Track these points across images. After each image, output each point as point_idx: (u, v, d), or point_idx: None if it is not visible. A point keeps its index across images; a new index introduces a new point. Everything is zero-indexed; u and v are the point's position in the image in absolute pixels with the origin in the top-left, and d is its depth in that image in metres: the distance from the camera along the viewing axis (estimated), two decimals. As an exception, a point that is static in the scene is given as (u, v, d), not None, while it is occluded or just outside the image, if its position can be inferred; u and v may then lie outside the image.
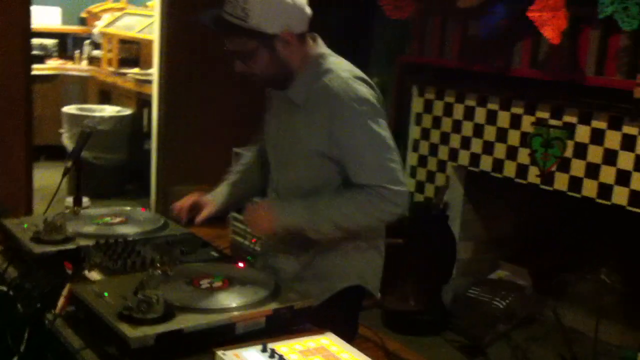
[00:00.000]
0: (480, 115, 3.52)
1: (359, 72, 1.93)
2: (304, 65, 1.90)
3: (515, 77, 3.34)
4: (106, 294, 1.53)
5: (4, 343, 1.58)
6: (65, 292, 1.59)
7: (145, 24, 6.49)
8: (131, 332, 1.37)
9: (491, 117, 3.46)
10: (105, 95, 6.59)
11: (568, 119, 3.13)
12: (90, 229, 1.98)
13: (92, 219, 2.07)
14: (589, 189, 3.04)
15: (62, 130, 5.87)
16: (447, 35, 3.69)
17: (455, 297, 3.74)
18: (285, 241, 1.97)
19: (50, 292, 1.64)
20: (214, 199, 2.13)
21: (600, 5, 2.80)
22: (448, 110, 3.69)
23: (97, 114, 5.80)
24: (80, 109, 5.95)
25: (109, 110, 5.93)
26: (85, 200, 3.23)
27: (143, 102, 5.90)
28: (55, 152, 6.40)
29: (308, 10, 1.89)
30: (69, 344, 1.49)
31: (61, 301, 1.59)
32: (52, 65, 6.84)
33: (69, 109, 5.90)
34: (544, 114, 3.22)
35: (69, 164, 2.19)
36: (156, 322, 1.41)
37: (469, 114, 3.57)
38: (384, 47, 4.28)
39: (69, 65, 6.99)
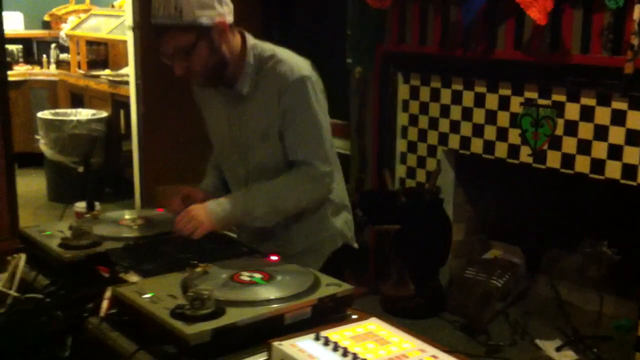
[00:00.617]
0: (467, 98, 3.58)
1: (298, 56, 2.07)
2: (242, 58, 2.02)
3: (501, 59, 3.41)
4: (152, 294, 1.53)
5: (49, 350, 1.57)
6: (107, 295, 1.60)
7: (113, 25, 6.42)
8: (188, 329, 1.38)
9: (479, 100, 3.53)
10: (77, 98, 6.51)
11: (556, 97, 3.20)
12: (113, 232, 1.98)
13: (112, 222, 2.07)
14: (582, 165, 3.12)
15: (38, 137, 5.78)
16: (427, 22, 3.74)
17: (451, 278, 3.81)
18: (261, 231, 2.09)
19: (90, 296, 1.64)
20: (201, 190, 2.23)
21: (585, -15, 2.88)
22: (435, 95, 3.75)
23: (72, 117, 5.73)
24: (55, 114, 5.87)
25: (84, 114, 5.86)
26: (97, 204, 3.19)
27: (118, 103, 5.84)
28: (28, 159, 6.31)
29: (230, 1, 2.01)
30: (118, 347, 1.49)
31: (104, 305, 1.59)
32: (19, 71, 6.72)
33: (44, 114, 5.81)
34: (532, 94, 3.30)
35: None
36: (210, 318, 1.43)
37: (456, 98, 3.63)
38: (361, 36, 4.31)
39: (37, 70, 6.89)
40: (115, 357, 1.49)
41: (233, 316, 1.45)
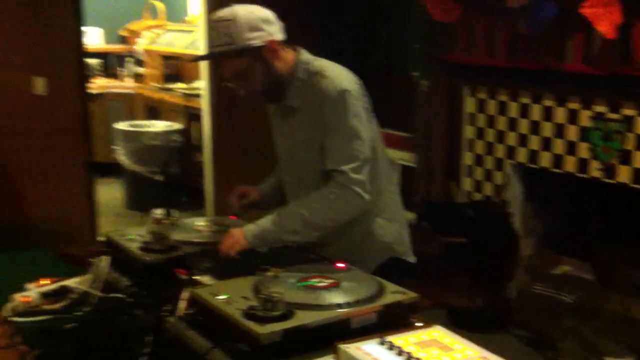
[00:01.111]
0: (536, 112, 3.58)
1: (344, 71, 2.13)
2: (294, 73, 2.10)
3: (570, 72, 3.40)
4: (226, 295, 1.62)
5: (128, 347, 1.68)
6: (184, 296, 1.69)
7: (186, 39, 6.65)
8: (260, 329, 1.46)
9: (547, 114, 3.52)
10: (152, 110, 6.76)
11: (627, 111, 3.18)
12: (190, 237, 2.08)
13: (189, 228, 2.18)
14: (653, 179, 3.08)
15: (115, 147, 6.03)
16: (494, 35, 3.76)
17: (519, 293, 3.79)
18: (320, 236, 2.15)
19: (169, 297, 1.74)
20: (258, 188, 2.40)
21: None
22: (502, 108, 3.76)
23: (148, 129, 5.96)
24: (132, 125, 6.12)
25: (159, 126, 6.08)
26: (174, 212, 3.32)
27: (191, 115, 6.04)
28: (106, 169, 6.58)
29: (277, 19, 2.10)
30: (194, 345, 1.58)
31: (182, 305, 1.69)
32: (98, 84, 7.03)
33: (121, 125, 6.06)
34: (601, 108, 3.28)
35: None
36: (280, 319, 1.50)
37: (524, 111, 3.63)
38: (427, 49, 4.34)
39: (114, 83, 7.18)
40: (192, 355, 1.58)
41: (302, 318, 1.52)
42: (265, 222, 2.04)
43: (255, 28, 2.02)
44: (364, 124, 2.09)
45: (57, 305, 1.98)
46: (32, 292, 2.03)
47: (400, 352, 1.45)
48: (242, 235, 2.01)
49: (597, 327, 3.56)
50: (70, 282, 2.07)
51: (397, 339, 1.52)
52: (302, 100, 2.11)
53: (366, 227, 2.20)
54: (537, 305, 3.52)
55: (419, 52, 4.35)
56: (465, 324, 3.63)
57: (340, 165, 2.04)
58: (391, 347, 1.48)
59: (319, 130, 2.08)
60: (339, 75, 2.10)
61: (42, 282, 2.10)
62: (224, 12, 2.03)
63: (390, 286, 1.73)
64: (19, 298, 2.00)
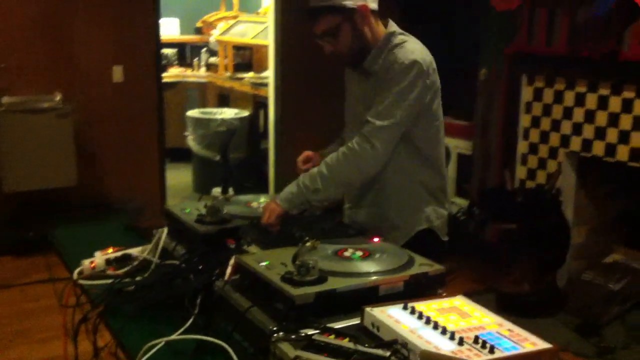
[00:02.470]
0: (591, 101, 3.60)
1: (424, 48, 2.25)
2: (379, 42, 2.24)
3: (626, 61, 3.41)
4: (267, 262, 1.79)
5: (182, 306, 1.86)
6: (231, 262, 1.87)
7: (258, 30, 6.87)
8: (295, 291, 1.62)
9: (602, 103, 3.54)
10: (223, 98, 7.02)
11: (682, 100, 3.17)
12: (242, 211, 2.26)
13: (242, 203, 2.36)
14: None
15: (186, 133, 6.32)
16: (554, 24, 3.79)
17: (569, 280, 3.83)
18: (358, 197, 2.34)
19: (218, 263, 1.92)
20: (322, 154, 2.49)
21: None
22: (558, 97, 3.79)
23: (218, 116, 6.21)
24: (203, 113, 6.39)
25: (228, 113, 6.33)
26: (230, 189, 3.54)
27: (259, 103, 6.26)
28: (178, 154, 6.90)
29: None
30: (238, 305, 1.75)
31: (229, 271, 1.86)
32: (173, 73, 7.34)
33: (192, 112, 6.34)
34: (656, 97, 3.28)
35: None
36: (314, 284, 1.65)
37: (580, 100, 3.66)
38: (488, 38, 4.40)
39: (188, 72, 7.48)
40: (234, 312, 1.76)
41: (333, 284, 1.67)
42: (291, 186, 2.20)
43: None
44: (415, 95, 2.19)
45: (119, 271, 2.19)
46: (98, 258, 2.25)
47: (420, 316, 1.59)
48: (273, 201, 2.17)
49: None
50: (133, 251, 2.28)
51: (420, 305, 1.65)
52: (379, 67, 2.24)
53: (411, 198, 2.35)
54: (586, 292, 3.56)
55: (480, 42, 4.42)
56: (514, 310, 3.71)
57: (373, 117, 2.18)
58: (413, 311, 1.61)
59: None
60: (417, 48, 2.23)
61: (109, 250, 2.31)
62: None
63: (419, 259, 1.85)
64: (87, 263, 2.22)
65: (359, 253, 1.86)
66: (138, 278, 2.10)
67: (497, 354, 1.45)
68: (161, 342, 1.68)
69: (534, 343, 1.53)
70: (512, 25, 4.05)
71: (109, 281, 2.10)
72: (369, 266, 1.78)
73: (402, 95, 2.18)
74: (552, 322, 3.61)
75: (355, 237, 2.07)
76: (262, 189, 5.93)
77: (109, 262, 2.23)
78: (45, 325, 3.65)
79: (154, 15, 4.96)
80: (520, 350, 1.49)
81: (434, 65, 2.27)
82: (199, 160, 6.22)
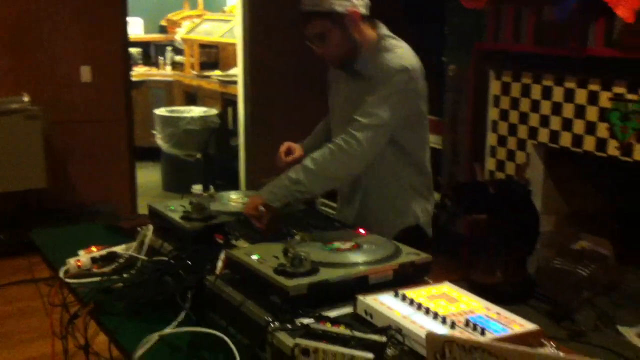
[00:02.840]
0: (557, 94, 3.71)
1: (412, 52, 2.32)
2: (369, 45, 2.30)
3: (591, 56, 3.52)
4: (259, 256, 1.83)
5: (174, 303, 1.88)
6: (222, 257, 1.90)
7: (224, 29, 6.88)
8: (289, 282, 1.66)
9: (569, 95, 3.65)
10: (190, 97, 7.01)
11: (644, 92, 3.29)
12: (227, 207, 2.29)
13: (225, 200, 2.39)
14: (668, 157, 3.20)
15: (154, 132, 6.30)
16: (521, 21, 3.89)
17: (539, 268, 3.93)
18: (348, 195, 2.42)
19: (208, 259, 1.95)
20: (302, 146, 2.57)
21: (672, -17, 2.97)
22: (525, 91, 3.89)
23: (186, 114, 6.20)
24: (170, 111, 6.37)
25: (196, 111, 6.33)
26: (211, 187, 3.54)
27: (227, 101, 6.27)
28: (145, 153, 6.87)
29: None
30: (232, 299, 1.79)
31: (220, 265, 1.90)
32: (139, 72, 7.30)
33: (160, 111, 6.32)
34: (620, 90, 3.39)
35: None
36: (306, 275, 1.70)
37: (547, 93, 3.76)
38: (459, 36, 4.49)
39: (154, 71, 7.45)
40: (228, 307, 1.79)
41: (326, 274, 1.72)
42: (277, 179, 2.24)
43: None
44: (405, 101, 2.27)
45: (106, 269, 2.20)
46: (84, 257, 2.26)
47: (411, 303, 1.65)
48: (258, 194, 2.21)
49: (613, 299, 3.70)
50: (118, 249, 2.29)
51: (410, 292, 1.71)
52: (370, 70, 2.30)
53: (398, 196, 2.42)
54: (556, 279, 3.66)
55: (448, 39, 4.50)
56: (487, 298, 3.80)
57: (361, 116, 2.23)
58: (404, 298, 1.67)
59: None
60: (407, 54, 2.30)
61: (92, 249, 2.32)
62: None
63: (405, 248, 1.91)
64: (72, 262, 2.23)
65: (348, 244, 1.91)
66: (125, 276, 2.11)
67: (488, 336, 1.51)
68: (159, 336, 1.71)
69: (521, 325, 1.61)
70: (480, 22, 4.14)
71: (96, 279, 2.12)
72: (358, 257, 1.83)
73: (389, 97, 2.24)
74: (524, 308, 3.70)
75: (341, 230, 2.12)
76: (233, 186, 5.95)
77: (94, 260, 2.23)
78: (27, 327, 3.62)
79: (122, 15, 4.95)
80: (509, 332, 1.56)
81: (423, 70, 2.33)
82: (168, 158, 6.20)
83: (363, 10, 2.29)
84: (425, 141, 2.45)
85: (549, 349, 1.44)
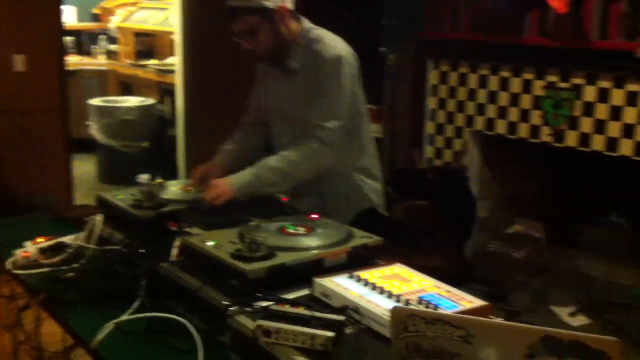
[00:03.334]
0: (493, 82, 3.83)
1: (341, 39, 2.39)
2: (296, 39, 2.34)
3: (525, 45, 3.65)
4: (214, 242, 1.85)
5: (127, 291, 1.88)
6: (177, 244, 1.91)
7: (160, 17, 6.78)
8: (247, 266, 1.69)
9: (504, 84, 3.78)
10: (125, 87, 6.89)
11: (576, 81, 3.44)
12: (177, 195, 2.30)
13: (175, 188, 2.39)
14: (597, 143, 3.36)
15: (89, 122, 6.17)
16: (459, 11, 3.99)
17: (476, 251, 4.07)
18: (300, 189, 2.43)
19: (162, 246, 1.96)
20: (218, 164, 2.51)
21: (602, -24, 3.12)
22: (462, 80, 4.01)
23: (122, 104, 6.10)
24: (106, 101, 6.25)
25: (133, 101, 6.23)
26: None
27: (164, 91, 6.20)
28: (79, 144, 6.71)
29: None
30: (189, 285, 1.80)
31: (175, 252, 1.91)
32: (71, 62, 7.11)
33: (95, 101, 6.20)
34: (553, 78, 3.54)
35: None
36: (264, 259, 1.73)
37: (483, 82, 3.89)
38: (395, 25, 4.55)
39: (87, 60, 7.28)
40: (185, 292, 1.80)
41: (283, 258, 1.75)
42: (248, 175, 2.27)
43: None
44: (349, 89, 2.34)
45: (55, 259, 2.17)
46: (31, 247, 2.22)
47: (366, 283, 1.70)
48: (228, 186, 2.22)
49: (546, 280, 3.87)
50: (66, 239, 2.26)
51: (364, 274, 1.77)
52: (302, 63, 2.35)
53: (351, 181, 2.49)
54: (491, 261, 3.81)
55: (387, 28, 4.57)
56: (428, 281, 3.92)
57: (321, 120, 2.29)
58: (359, 279, 1.73)
59: (313, 90, 2.33)
60: (336, 43, 2.35)
61: (38, 240, 2.28)
62: None
63: (358, 232, 1.96)
64: (19, 253, 2.19)
65: (302, 229, 1.95)
66: (76, 265, 2.09)
67: (442, 312, 1.58)
68: (115, 324, 1.71)
69: (471, 301, 1.68)
70: (418, 12, 4.23)
71: (46, 270, 2.09)
72: (313, 241, 1.87)
73: (339, 92, 2.30)
74: (463, 290, 3.83)
75: (294, 215, 2.16)
76: (171, 176, 5.89)
77: (42, 251, 2.20)
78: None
79: (56, 2, 4.82)
80: (460, 308, 1.63)
81: (354, 53, 2.40)
82: (104, 150, 6.09)
83: (290, 5, 2.33)
84: (366, 122, 2.51)
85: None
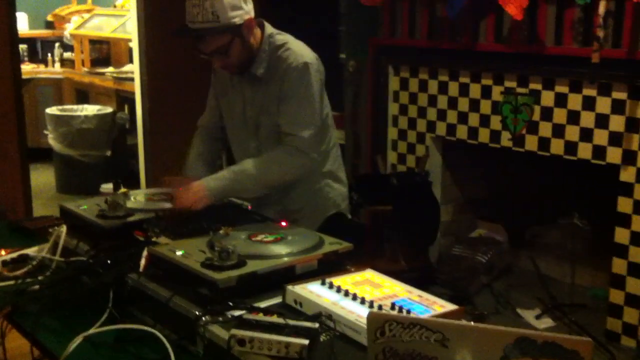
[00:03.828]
0: (453, 88, 3.88)
1: (305, 45, 2.39)
2: (260, 46, 2.33)
3: (482, 51, 3.71)
4: (183, 251, 1.83)
5: (94, 302, 1.85)
6: (145, 254, 1.89)
7: (115, 24, 6.70)
8: (217, 275, 1.67)
9: (463, 90, 3.83)
10: (82, 95, 6.78)
11: (533, 86, 3.51)
12: (142, 205, 2.27)
13: (139, 197, 2.36)
14: (557, 147, 3.43)
15: (46, 132, 6.05)
16: (415, 17, 4.03)
17: (440, 255, 4.12)
18: (265, 197, 2.42)
19: (129, 256, 1.93)
20: (187, 176, 2.44)
21: (557, -17, 3.19)
22: (423, 86, 4.05)
23: (79, 113, 6.00)
24: (62, 110, 6.15)
25: (90, 109, 6.14)
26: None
27: (122, 99, 6.12)
28: (36, 154, 6.58)
29: None
30: (158, 295, 1.78)
31: (143, 262, 1.88)
32: (25, 70, 6.97)
33: (52, 110, 6.09)
34: (511, 83, 3.60)
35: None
36: (234, 268, 1.72)
37: (443, 88, 3.93)
38: (354, 31, 4.58)
39: (42, 68, 7.15)
40: (155, 303, 1.78)
41: (253, 266, 1.74)
42: (225, 181, 2.24)
43: (236, 7, 2.21)
44: (319, 95, 2.34)
45: (19, 272, 2.13)
46: (-7, 260, 2.17)
47: (338, 290, 1.70)
48: (204, 191, 2.19)
49: (509, 282, 3.94)
50: (29, 251, 2.22)
51: (336, 280, 1.77)
52: (267, 69, 2.33)
53: (316, 182, 2.48)
54: (456, 265, 3.85)
55: (346, 34, 4.60)
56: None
57: (296, 129, 2.28)
58: (331, 286, 1.73)
59: (282, 97, 2.31)
60: (302, 49, 2.34)
61: (1, 252, 2.23)
62: None
63: (328, 238, 1.97)
64: (-20, 267, 2.13)
65: (272, 237, 1.95)
66: (41, 278, 2.05)
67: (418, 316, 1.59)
68: (84, 337, 1.68)
69: (442, 305, 1.70)
70: (376, 18, 4.26)
71: (9, 283, 2.05)
72: (284, 248, 1.87)
73: (310, 98, 2.30)
74: (428, 294, 3.87)
75: (263, 222, 2.15)
76: (133, 186, 5.81)
77: (4, 263, 2.16)
78: None
79: (10, 8, 4.72)
80: (432, 312, 1.64)
81: (317, 57, 2.40)
82: (62, 159, 5.98)
83: (253, 13, 2.31)
84: (331, 127, 2.51)
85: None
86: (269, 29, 2.39)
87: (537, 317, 3.56)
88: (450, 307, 1.69)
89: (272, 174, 2.30)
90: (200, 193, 2.20)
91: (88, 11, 7.31)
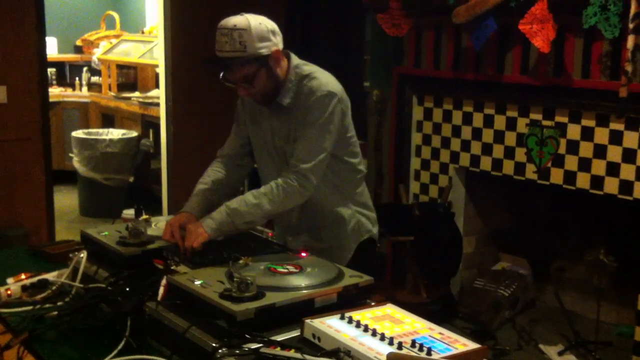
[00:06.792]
0: (477, 119, 3.85)
1: (331, 75, 2.39)
2: (287, 76, 2.33)
3: (508, 83, 3.68)
4: (202, 281, 1.81)
5: (112, 330, 1.84)
6: (163, 283, 1.87)
7: (142, 50, 6.78)
8: (236, 307, 1.65)
9: (488, 121, 3.80)
10: (108, 119, 6.85)
11: (559, 119, 3.47)
12: (163, 232, 2.26)
13: (161, 224, 2.35)
14: (583, 181, 3.38)
15: (72, 155, 6.11)
16: (440, 48, 4.03)
17: (462, 288, 4.06)
18: (296, 226, 2.42)
19: (148, 285, 1.92)
20: (190, 214, 2.38)
21: (584, 17, 3.17)
22: (447, 116, 4.02)
23: (104, 137, 6.06)
24: (88, 133, 6.21)
25: (115, 133, 6.19)
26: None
27: (147, 123, 6.17)
28: (60, 176, 6.65)
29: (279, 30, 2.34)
30: (175, 325, 1.76)
31: (161, 291, 1.86)
32: (53, 93, 7.07)
33: (78, 133, 6.15)
34: (537, 116, 3.57)
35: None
36: (253, 300, 1.70)
37: (467, 119, 3.91)
38: (379, 61, 4.60)
39: (69, 92, 7.25)
40: (172, 334, 1.76)
41: (272, 298, 1.72)
42: (221, 215, 2.21)
43: (264, 38, 2.22)
44: (339, 124, 2.32)
45: (38, 297, 2.12)
46: (13, 285, 2.17)
47: (358, 325, 1.67)
48: (202, 229, 2.17)
49: (533, 317, 3.86)
50: (49, 276, 2.21)
51: (356, 314, 1.74)
52: (294, 99, 2.33)
53: (347, 211, 2.47)
54: (478, 298, 3.79)
55: (371, 64, 4.60)
56: (413, 318, 3.89)
57: (304, 160, 2.26)
58: (350, 320, 1.70)
59: (304, 124, 2.31)
60: (328, 78, 2.35)
61: (21, 276, 2.23)
62: (238, 21, 2.20)
63: (348, 271, 1.94)
64: (2, 290, 2.14)
65: (291, 268, 1.92)
66: (60, 303, 2.05)
67: (435, 356, 1.55)
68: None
69: (465, 344, 1.65)
70: (401, 48, 4.26)
71: (28, 308, 2.04)
72: (303, 280, 1.85)
73: (325, 126, 2.29)
74: (449, 328, 3.77)
75: (282, 253, 2.13)
76: (155, 210, 5.84)
77: (24, 288, 2.16)
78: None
79: (40, 33, 4.80)
80: (454, 352, 1.60)
81: (342, 88, 2.39)
82: (86, 182, 6.03)
83: (281, 45, 2.31)
84: (356, 152, 2.50)
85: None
86: (295, 59, 2.39)
87: (560, 354, 3.48)
88: (472, 345, 1.65)
89: (278, 205, 2.26)
90: (199, 231, 2.17)
91: (116, 37, 7.42)
